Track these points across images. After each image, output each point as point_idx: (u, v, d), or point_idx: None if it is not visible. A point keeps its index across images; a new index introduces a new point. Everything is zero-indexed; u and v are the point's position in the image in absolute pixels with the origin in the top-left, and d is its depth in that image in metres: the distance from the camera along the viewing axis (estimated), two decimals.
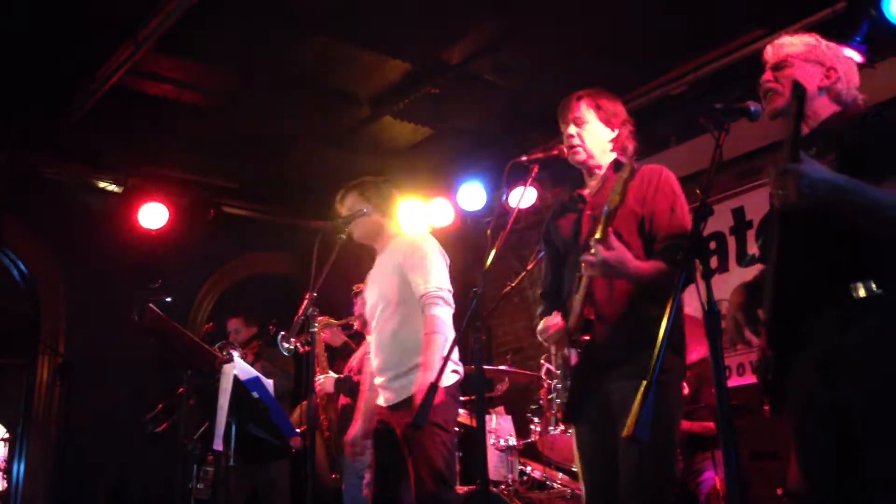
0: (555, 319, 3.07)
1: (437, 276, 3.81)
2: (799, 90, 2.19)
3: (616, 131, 3.15)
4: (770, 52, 2.66)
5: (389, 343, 3.87)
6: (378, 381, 3.93)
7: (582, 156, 3.14)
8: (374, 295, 4.02)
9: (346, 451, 4.08)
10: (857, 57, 4.71)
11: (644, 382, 1.99)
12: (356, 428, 4.06)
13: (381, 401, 3.91)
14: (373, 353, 4.00)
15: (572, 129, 3.14)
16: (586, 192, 3.20)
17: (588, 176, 3.22)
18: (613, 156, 3.15)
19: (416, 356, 3.72)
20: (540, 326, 3.16)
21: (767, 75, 2.62)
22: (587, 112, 3.14)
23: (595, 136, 3.14)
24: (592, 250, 2.76)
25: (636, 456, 2.78)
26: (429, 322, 3.72)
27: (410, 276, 3.83)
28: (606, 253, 2.74)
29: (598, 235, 2.77)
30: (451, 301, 3.81)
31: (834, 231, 2.29)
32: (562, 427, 4.62)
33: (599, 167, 3.16)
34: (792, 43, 2.63)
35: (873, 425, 2.23)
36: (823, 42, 2.63)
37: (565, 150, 3.17)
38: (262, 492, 5.71)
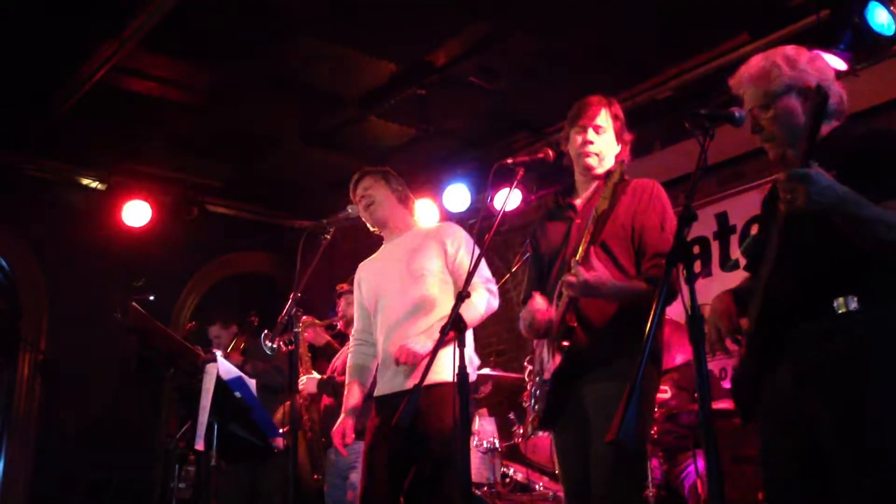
0: (541, 305, 3.04)
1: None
2: (821, 93, 2.15)
3: (621, 146, 3.17)
4: (741, 90, 2.56)
5: (417, 325, 3.68)
6: (395, 369, 3.70)
7: (594, 162, 3.13)
8: (394, 270, 3.83)
9: (335, 441, 3.82)
10: (842, 64, 4.75)
11: (629, 386, 2.00)
12: (344, 418, 3.84)
13: (397, 384, 3.67)
14: (386, 332, 3.79)
15: (592, 136, 3.12)
16: (577, 201, 3.20)
17: (584, 183, 3.22)
18: (610, 165, 3.16)
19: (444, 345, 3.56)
20: (525, 312, 3.11)
21: (757, 121, 2.52)
22: (607, 121, 3.14)
23: (609, 147, 3.15)
24: (573, 271, 2.78)
25: (609, 459, 2.80)
26: (477, 305, 3.69)
27: (457, 255, 3.76)
28: (587, 275, 2.78)
29: (578, 257, 2.80)
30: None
31: (823, 246, 2.30)
32: (540, 432, 4.62)
33: (599, 177, 3.16)
34: (760, 77, 2.52)
35: (842, 440, 2.24)
36: (790, 59, 2.51)
37: (582, 153, 3.15)
38: (251, 493, 5.63)
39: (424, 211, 7.17)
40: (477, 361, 3.82)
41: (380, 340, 3.84)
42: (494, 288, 3.80)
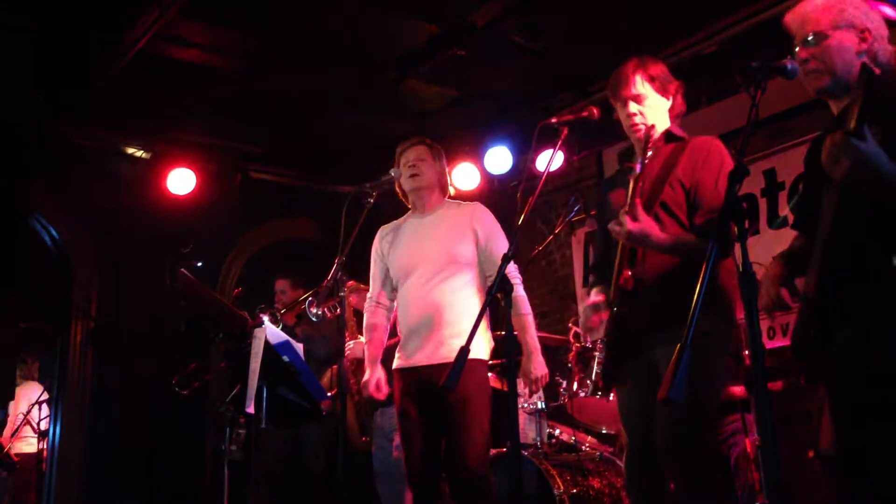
0: (597, 302, 3.10)
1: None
2: (867, 71, 2.13)
3: (671, 98, 3.13)
4: (794, 23, 2.55)
5: (447, 301, 3.82)
6: (411, 338, 3.90)
7: (642, 131, 3.10)
8: (427, 251, 3.95)
9: (370, 389, 4.00)
10: (891, 12, 4.61)
11: (678, 345, 1.98)
12: (373, 371, 4.02)
13: (420, 357, 3.85)
14: (409, 308, 3.94)
15: (633, 108, 3.10)
16: (637, 164, 3.17)
17: (640, 148, 3.18)
18: (667, 123, 3.13)
19: (469, 320, 3.63)
20: (582, 318, 3.20)
21: (803, 53, 2.51)
22: (643, 86, 3.10)
23: (654, 110, 3.11)
24: (619, 218, 2.80)
25: (673, 419, 2.79)
26: (520, 303, 3.83)
27: (487, 247, 3.89)
28: (631, 224, 2.78)
29: (626, 207, 2.80)
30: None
31: (884, 204, 2.25)
32: (599, 393, 4.64)
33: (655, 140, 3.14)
34: (816, 10, 2.52)
35: None
36: (865, 4, 2.52)
37: (629, 128, 3.13)
38: (299, 455, 5.72)
39: (465, 174, 7.15)
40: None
41: (405, 314, 3.97)
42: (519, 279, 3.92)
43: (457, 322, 3.78)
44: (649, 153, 3.06)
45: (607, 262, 3.19)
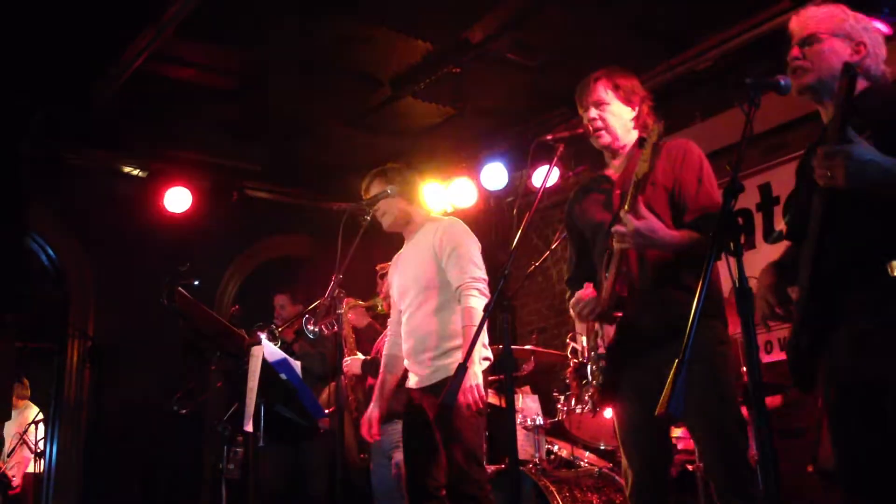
0: (587, 291, 3.01)
1: (472, 266, 3.84)
2: (850, 69, 2.14)
3: (636, 109, 3.13)
4: (796, 25, 2.60)
5: (425, 326, 3.91)
6: (408, 363, 3.99)
7: (606, 139, 3.11)
8: (407, 279, 4.05)
9: (362, 430, 4.09)
10: (885, 29, 4.65)
11: (677, 359, 1.98)
12: (372, 408, 4.10)
13: (411, 382, 3.97)
14: (404, 335, 4.05)
15: (593, 112, 3.11)
16: (610, 171, 3.18)
17: (612, 157, 3.19)
18: (636, 134, 3.13)
19: (451, 341, 3.81)
20: (573, 301, 3.09)
21: (795, 52, 2.55)
22: (605, 93, 3.11)
23: (616, 117, 3.11)
24: (623, 220, 2.74)
25: (714, 433, 2.78)
26: (466, 314, 3.75)
27: (446, 263, 3.87)
28: (637, 222, 2.72)
29: (626, 207, 2.75)
30: (487, 290, 3.81)
31: (876, 209, 2.26)
32: (589, 407, 4.63)
33: (623, 147, 3.14)
34: (819, 16, 2.56)
35: None
36: (851, 14, 2.56)
37: (589, 132, 3.14)
38: (298, 474, 5.70)
39: (462, 191, 7.16)
40: (487, 352, 3.90)
41: (405, 342, 4.05)
42: (483, 287, 3.83)
43: (440, 345, 3.85)
44: (620, 159, 3.10)
45: (584, 276, 3.16)
